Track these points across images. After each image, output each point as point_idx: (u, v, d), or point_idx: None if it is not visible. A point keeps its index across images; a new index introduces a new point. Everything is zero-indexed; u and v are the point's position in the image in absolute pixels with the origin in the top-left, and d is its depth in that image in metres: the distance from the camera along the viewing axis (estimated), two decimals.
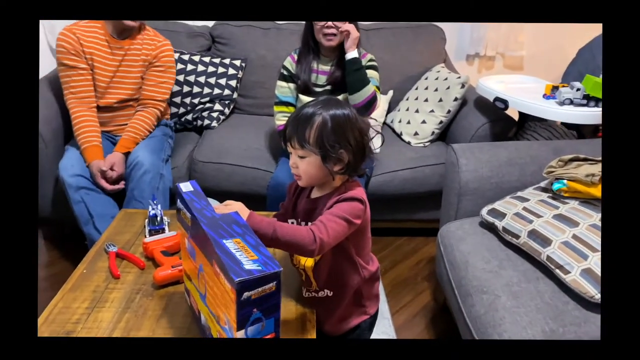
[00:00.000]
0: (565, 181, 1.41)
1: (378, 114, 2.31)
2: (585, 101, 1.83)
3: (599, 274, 1.17)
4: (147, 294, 1.12)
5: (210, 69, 2.33)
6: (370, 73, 1.86)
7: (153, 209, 1.33)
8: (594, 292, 1.15)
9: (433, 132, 2.18)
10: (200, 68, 2.32)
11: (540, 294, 1.23)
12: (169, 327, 1.03)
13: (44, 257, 2.07)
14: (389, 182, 2.03)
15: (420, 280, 2.00)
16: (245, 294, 0.72)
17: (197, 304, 0.97)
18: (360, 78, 1.79)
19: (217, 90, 2.32)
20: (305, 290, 1.07)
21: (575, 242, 1.25)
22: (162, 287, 1.15)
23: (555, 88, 1.93)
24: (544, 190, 1.49)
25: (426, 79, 2.35)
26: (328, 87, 1.89)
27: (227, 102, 2.36)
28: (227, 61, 2.37)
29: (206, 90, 2.31)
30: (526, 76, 2.32)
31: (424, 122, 2.19)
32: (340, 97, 1.74)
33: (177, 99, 2.27)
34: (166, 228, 1.34)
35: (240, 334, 0.76)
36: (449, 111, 2.15)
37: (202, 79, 2.31)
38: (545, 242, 1.28)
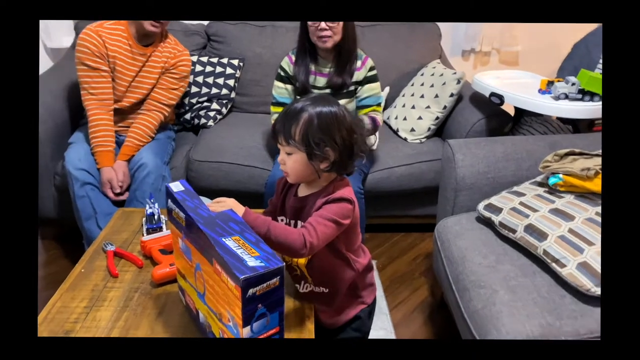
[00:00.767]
0: (561, 175, 1.41)
1: None
2: (580, 96, 1.83)
3: (595, 267, 1.18)
4: (146, 292, 1.13)
5: (208, 68, 2.33)
6: (371, 87, 1.87)
7: (150, 207, 1.33)
8: (590, 285, 1.16)
9: (429, 128, 2.19)
10: (198, 68, 2.31)
11: (537, 288, 1.24)
12: (168, 325, 1.03)
13: (42, 256, 2.07)
14: (385, 178, 2.04)
15: (417, 276, 2.00)
16: (251, 291, 0.74)
17: (194, 302, 0.98)
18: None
19: (215, 90, 2.32)
20: (302, 285, 1.07)
21: (571, 236, 1.26)
22: (160, 285, 1.15)
23: (550, 83, 1.94)
24: (540, 184, 1.50)
25: (422, 75, 2.35)
26: (328, 91, 1.89)
27: (224, 101, 2.36)
28: (224, 60, 2.37)
29: (204, 90, 2.31)
30: (522, 71, 2.32)
31: (420, 118, 2.20)
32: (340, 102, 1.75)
33: (179, 100, 2.26)
34: (164, 226, 1.34)
35: (246, 330, 0.77)
36: (445, 107, 2.15)
37: (200, 79, 2.31)
38: (542, 236, 1.29)
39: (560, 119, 2.28)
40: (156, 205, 1.35)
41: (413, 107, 2.24)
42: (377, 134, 2.00)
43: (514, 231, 1.37)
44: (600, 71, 2.19)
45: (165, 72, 1.95)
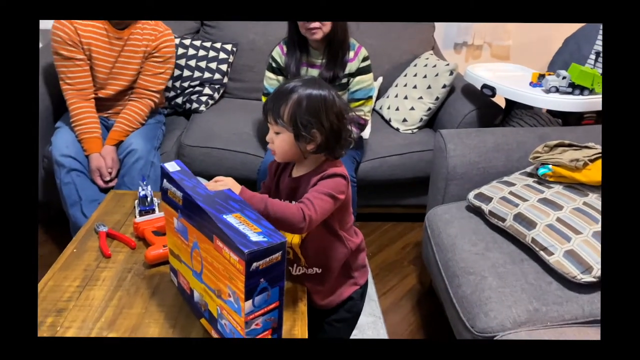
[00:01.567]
0: (550, 166, 1.44)
1: None
2: (570, 89, 1.86)
3: (581, 255, 1.21)
4: (139, 273, 1.13)
5: (201, 52, 2.31)
6: (362, 79, 1.84)
7: (143, 189, 1.33)
8: (576, 273, 1.19)
9: (421, 119, 2.20)
10: (191, 52, 2.30)
11: (525, 275, 1.27)
12: (162, 304, 1.03)
13: None
14: (377, 167, 2.05)
15: (406, 264, 2.03)
16: (254, 265, 0.75)
17: (188, 282, 0.98)
18: None
19: (207, 75, 2.31)
20: (295, 268, 1.08)
21: (559, 224, 1.29)
22: (153, 266, 1.15)
23: (541, 76, 1.96)
24: (530, 175, 1.52)
25: (415, 66, 2.37)
26: None
27: (217, 86, 2.35)
28: (217, 45, 2.35)
29: (196, 74, 2.29)
30: (513, 65, 2.35)
31: (412, 108, 2.21)
32: None
33: (168, 83, 2.24)
34: (156, 209, 1.34)
35: (248, 304, 0.79)
36: (437, 98, 2.17)
37: (192, 63, 2.29)
38: (530, 225, 1.32)
39: (550, 112, 2.31)
40: (149, 187, 1.34)
41: (405, 98, 2.25)
42: (369, 123, 2.01)
43: (503, 220, 1.39)
44: (591, 65, 2.22)
45: (149, 57, 1.89)
